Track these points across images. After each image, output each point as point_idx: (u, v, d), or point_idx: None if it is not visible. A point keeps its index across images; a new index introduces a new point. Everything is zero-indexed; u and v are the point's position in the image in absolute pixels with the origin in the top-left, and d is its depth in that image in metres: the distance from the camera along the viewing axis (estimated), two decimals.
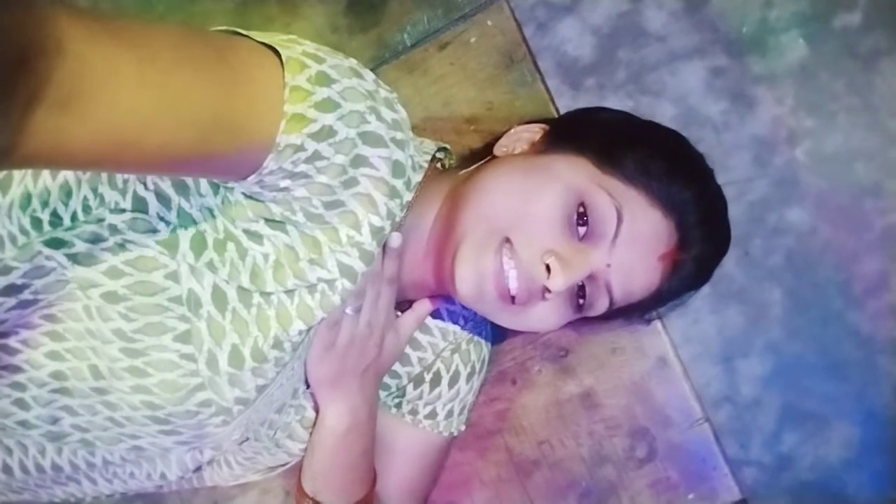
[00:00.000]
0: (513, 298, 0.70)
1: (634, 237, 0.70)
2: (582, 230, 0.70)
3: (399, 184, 0.63)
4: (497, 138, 0.81)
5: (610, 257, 0.70)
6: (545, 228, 0.69)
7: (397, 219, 0.65)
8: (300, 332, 0.65)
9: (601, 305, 0.73)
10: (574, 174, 0.71)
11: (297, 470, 0.81)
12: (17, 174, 0.66)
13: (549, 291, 0.69)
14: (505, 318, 0.74)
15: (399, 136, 0.62)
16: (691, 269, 0.75)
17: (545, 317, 0.73)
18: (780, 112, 0.90)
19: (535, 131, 0.79)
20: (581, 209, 0.69)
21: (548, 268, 0.68)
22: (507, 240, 0.69)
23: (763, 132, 0.90)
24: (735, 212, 0.90)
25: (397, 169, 0.62)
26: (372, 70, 0.94)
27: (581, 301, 0.72)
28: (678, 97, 0.91)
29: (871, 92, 0.88)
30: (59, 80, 0.38)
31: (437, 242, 0.74)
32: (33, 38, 0.37)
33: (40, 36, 0.37)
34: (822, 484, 0.89)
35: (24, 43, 0.36)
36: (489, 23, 0.93)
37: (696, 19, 0.90)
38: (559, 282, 0.67)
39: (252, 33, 0.56)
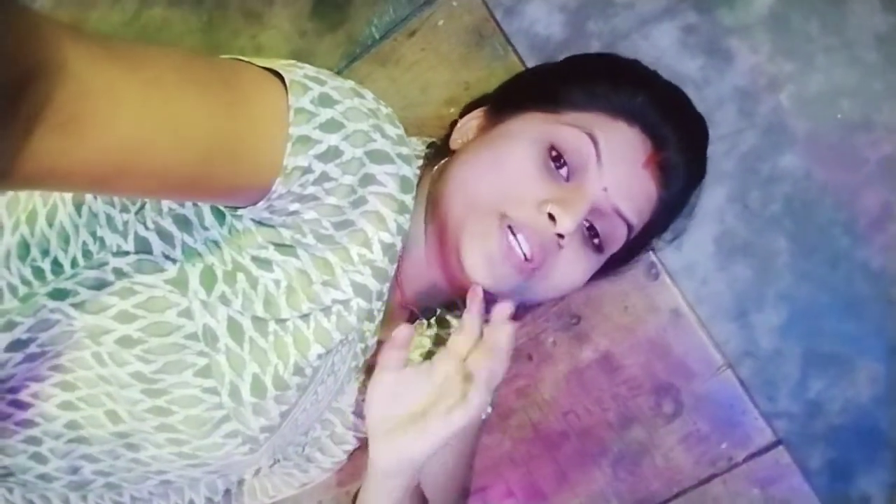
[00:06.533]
0: (530, 264, 0.68)
1: (615, 153, 0.69)
2: (564, 171, 0.69)
3: (408, 199, 0.63)
4: (449, 135, 0.80)
5: (603, 180, 0.69)
6: (528, 184, 0.68)
7: (407, 233, 0.65)
8: (319, 356, 0.64)
9: (619, 235, 0.72)
10: (530, 126, 0.71)
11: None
12: (8, 223, 0.65)
13: (563, 236, 0.67)
14: (533, 291, 0.72)
15: (404, 151, 0.62)
16: (682, 162, 0.73)
17: (570, 269, 0.71)
18: (758, 60, 0.89)
19: (478, 115, 0.79)
20: (553, 152, 0.69)
21: (550, 217, 0.67)
22: (503, 214, 0.68)
23: (744, 82, 0.89)
24: (728, 165, 0.90)
25: (405, 184, 0.63)
26: (345, 67, 0.95)
27: (597, 241, 0.71)
28: (654, 60, 0.89)
29: (845, 28, 0.87)
30: (59, 102, 0.38)
31: (435, 247, 0.73)
32: (35, 60, 0.36)
33: (42, 57, 0.37)
34: (855, 424, 0.88)
35: (26, 64, 0.36)
36: (454, 3, 0.93)
37: None
38: (567, 222, 0.66)
39: (254, 59, 0.56)
